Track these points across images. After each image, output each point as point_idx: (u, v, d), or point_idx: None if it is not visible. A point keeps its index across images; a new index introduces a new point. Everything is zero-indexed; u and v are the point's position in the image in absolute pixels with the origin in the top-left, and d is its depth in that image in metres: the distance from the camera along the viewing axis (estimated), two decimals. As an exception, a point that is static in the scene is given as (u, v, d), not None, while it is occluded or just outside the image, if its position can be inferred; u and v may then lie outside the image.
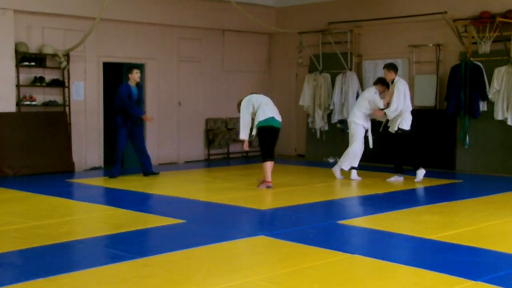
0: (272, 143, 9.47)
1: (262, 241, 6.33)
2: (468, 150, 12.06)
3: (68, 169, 11.71)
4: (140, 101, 11.05)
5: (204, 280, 5.00)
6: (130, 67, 11.07)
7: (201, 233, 6.76)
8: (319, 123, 13.93)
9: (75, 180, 10.79)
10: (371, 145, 10.64)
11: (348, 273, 5.28)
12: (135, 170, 11.57)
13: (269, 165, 9.49)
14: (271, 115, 9.33)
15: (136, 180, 10.67)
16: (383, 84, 10.62)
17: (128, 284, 4.89)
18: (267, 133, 9.38)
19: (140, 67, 12.81)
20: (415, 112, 12.56)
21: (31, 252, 5.84)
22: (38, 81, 11.57)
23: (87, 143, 12.37)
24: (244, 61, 14.99)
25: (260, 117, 9.32)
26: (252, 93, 9.92)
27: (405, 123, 10.38)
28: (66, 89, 11.93)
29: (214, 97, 14.34)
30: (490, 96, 11.61)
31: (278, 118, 9.50)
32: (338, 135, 13.92)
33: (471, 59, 11.79)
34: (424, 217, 7.56)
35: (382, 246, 6.24)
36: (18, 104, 11.35)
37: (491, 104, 11.68)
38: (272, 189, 9.55)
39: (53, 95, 11.85)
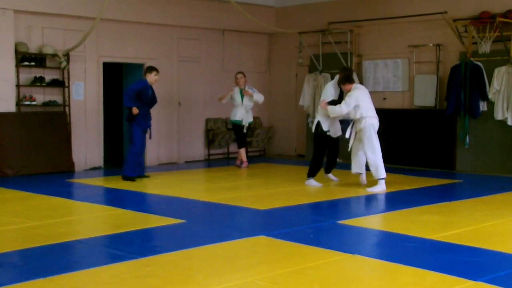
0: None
1: (262, 241, 6.33)
2: (468, 150, 12.06)
3: (68, 169, 11.71)
4: (154, 102, 10.89)
5: (204, 280, 5.00)
6: (151, 67, 10.80)
7: (201, 233, 6.76)
8: (319, 123, 13.89)
9: (75, 180, 10.79)
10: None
11: (348, 273, 5.28)
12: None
13: (242, 150, 12.71)
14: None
15: (136, 180, 10.65)
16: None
17: (128, 284, 4.89)
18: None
19: (140, 67, 12.83)
20: (416, 112, 12.66)
21: (31, 252, 5.84)
22: (38, 81, 11.56)
23: (87, 143, 12.36)
24: (244, 61, 14.98)
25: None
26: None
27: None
28: (66, 89, 11.92)
29: (214, 97, 14.31)
30: (490, 96, 11.61)
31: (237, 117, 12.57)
32: (338, 135, 13.91)
33: (471, 59, 11.78)
34: (424, 217, 7.55)
35: (382, 246, 6.25)
36: (18, 104, 11.34)
37: (491, 104, 11.68)
38: (271, 188, 9.54)
39: (53, 95, 11.84)
